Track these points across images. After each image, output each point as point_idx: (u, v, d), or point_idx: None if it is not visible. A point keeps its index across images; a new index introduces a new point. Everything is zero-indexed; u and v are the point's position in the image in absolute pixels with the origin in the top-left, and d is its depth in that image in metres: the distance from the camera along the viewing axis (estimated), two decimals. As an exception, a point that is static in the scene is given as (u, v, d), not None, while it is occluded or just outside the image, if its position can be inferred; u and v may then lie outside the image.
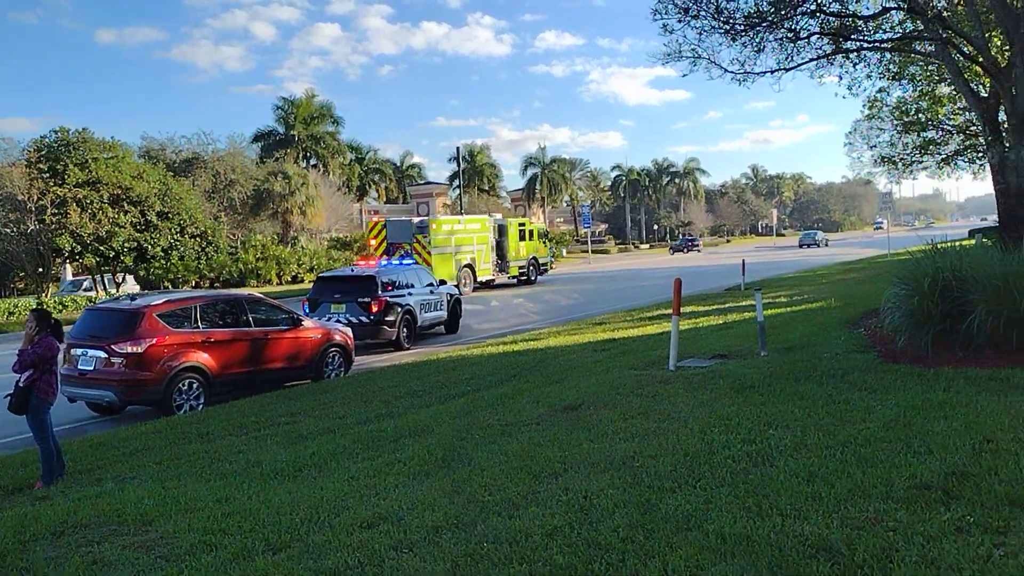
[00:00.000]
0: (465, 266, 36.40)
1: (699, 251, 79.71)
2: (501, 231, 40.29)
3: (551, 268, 46.32)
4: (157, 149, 52.56)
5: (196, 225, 40.81)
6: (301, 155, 65.67)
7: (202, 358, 12.27)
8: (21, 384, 8.17)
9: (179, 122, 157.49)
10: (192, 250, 40.41)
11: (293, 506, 5.82)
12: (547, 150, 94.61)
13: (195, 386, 12.15)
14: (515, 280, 40.87)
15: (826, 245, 75.68)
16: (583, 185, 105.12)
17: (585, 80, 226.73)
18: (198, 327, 12.49)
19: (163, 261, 39.30)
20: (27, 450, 9.27)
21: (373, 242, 35.83)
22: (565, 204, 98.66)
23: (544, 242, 44.77)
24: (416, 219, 36.32)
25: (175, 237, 39.36)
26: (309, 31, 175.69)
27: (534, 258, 42.74)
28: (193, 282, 41.04)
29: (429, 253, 34.06)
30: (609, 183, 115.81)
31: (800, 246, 76.83)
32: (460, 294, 22.83)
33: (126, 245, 37.21)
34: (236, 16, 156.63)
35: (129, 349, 11.54)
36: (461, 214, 53.89)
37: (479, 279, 37.35)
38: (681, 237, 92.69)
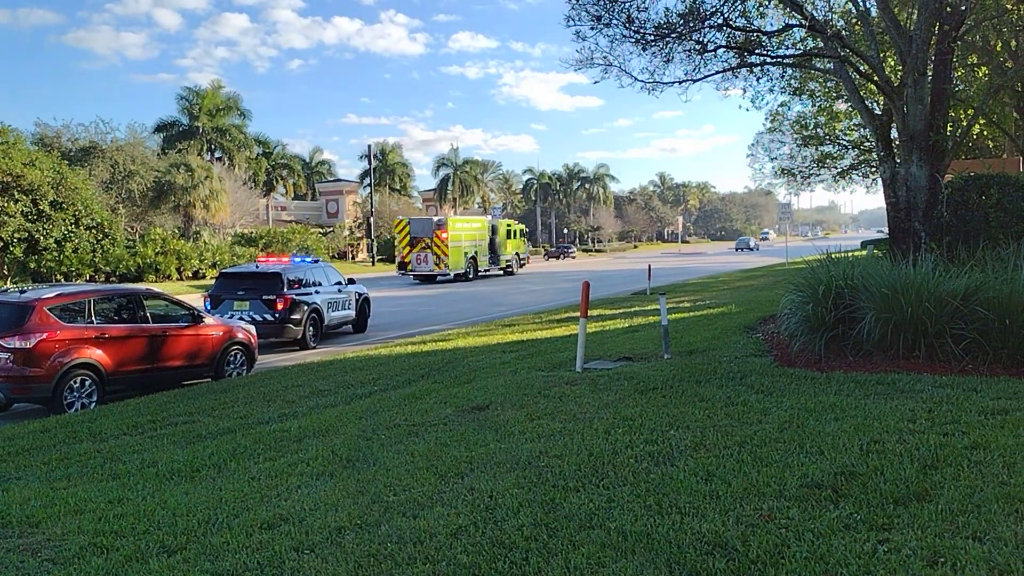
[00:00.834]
0: (471, 257, 45.40)
1: (573, 258, 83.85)
2: (494, 230, 48.75)
3: (527, 263, 56.40)
4: (52, 136, 50.18)
5: (92, 216, 39.22)
6: (205, 147, 63.81)
7: (96, 355, 11.79)
8: None
9: (76, 109, 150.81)
10: (87, 242, 38.80)
11: (190, 507, 5.66)
12: (460, 151, 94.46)
13: (88, 383, 11.66)
14: (501, 272, 49.75)
15: (757, 250, 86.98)
16: (495, 187, 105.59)
17: (498, 83, 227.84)
18: (92, 322, 12.00)
19: (56, 253, 37.55)
20: (-100, 450, 8.71)
21: (399, 236, 44.69)
22: (477, 206, 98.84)
23: (524, 240, 54.41)
24: (435, 218, 45.29)
25: (69, 228, 37.73)
26: (216, 21, 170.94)
27: (517, 254, 52.47)
28: (88, 276, 39.30)
29: (447, 245, 42.41)
30: (521, 186, 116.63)
31: (736, 250, 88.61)
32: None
33: (16, 235, 35.44)
34: (139, 3, 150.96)
35: (17, 344, 11.00)
36: (372, 213, 57.76)
37: (480, 269, 46.54)
38: (558, 244, 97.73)
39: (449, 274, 43.45)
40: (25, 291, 12.31)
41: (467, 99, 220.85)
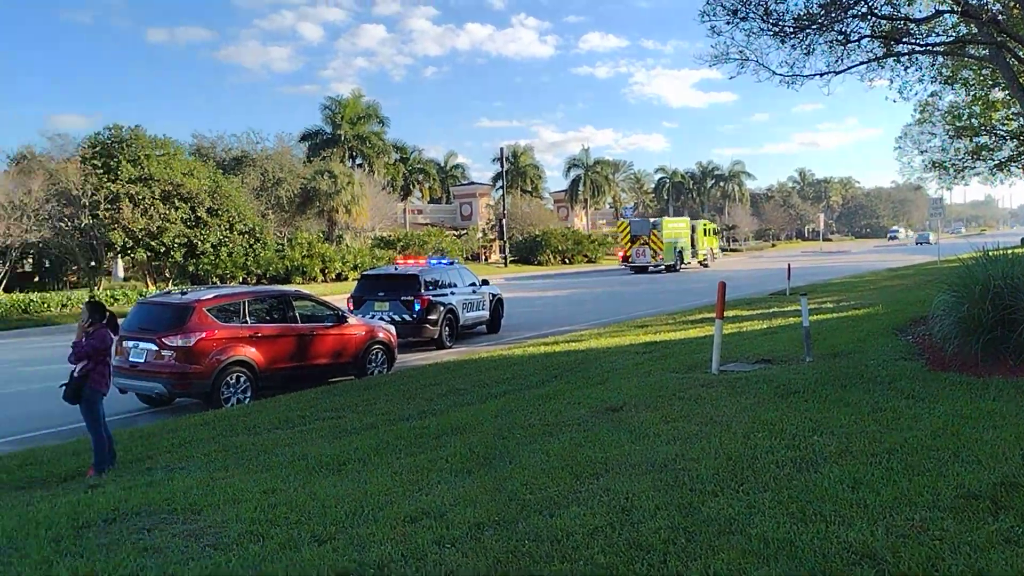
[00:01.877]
0: (678, 252, 52.47)
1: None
2: (693, 229, 56.03)
3: (720, 257, 64.17)
4: (207, 147, 53.50)
5: (244, 222, 41.49)
6: (347, 154, 66.35)
7: (250, 352, 12.49)
8: (76, 375, 8.40)
9: (229, 121, 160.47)
10: (240, 246, 41.09)
11: (338, 499, 5.92)
12: (590, 151, 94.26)
13: (242, 380, 12.37)
14: (699, 264, 56.48)
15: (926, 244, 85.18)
16: (626, 187, 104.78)
17: (629, 82, 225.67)
18: (246, 322, 12.73)
19: (212, 257, 40.01)
20: (79, 439, 9.50)
21: (621, 234, 53.77)
22: (608, 206, 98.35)
23: (716, 238, 63.35)
24: (652, 219, 54.43)
25: (224, 233, 40.06)
26: (355, 32, 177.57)
27: (711, 249, 60.14)
28: (240, 278, 41.67)
29: (661, 242, 50.20)
30: (652, 185, 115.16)
31: (917, 244, 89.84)
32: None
33: (177, 241, 37.95)
34: (284, 17, 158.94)
35: (179, 342, 11.80)
36: (504, 215, 60.64)
37: (685, 261, 53.48)
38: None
39: (661, 266, 50.86)
40: (186, 293, 13.19)
41: (597, 99, 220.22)
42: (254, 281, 42.30)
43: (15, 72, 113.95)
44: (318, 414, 10.58)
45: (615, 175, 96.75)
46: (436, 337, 18.66)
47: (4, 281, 38.23)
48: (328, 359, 13.93)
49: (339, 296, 24.70)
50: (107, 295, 31.78)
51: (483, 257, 75.87)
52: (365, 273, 20.51)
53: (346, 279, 47.29)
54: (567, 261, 69.66)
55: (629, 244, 52.08)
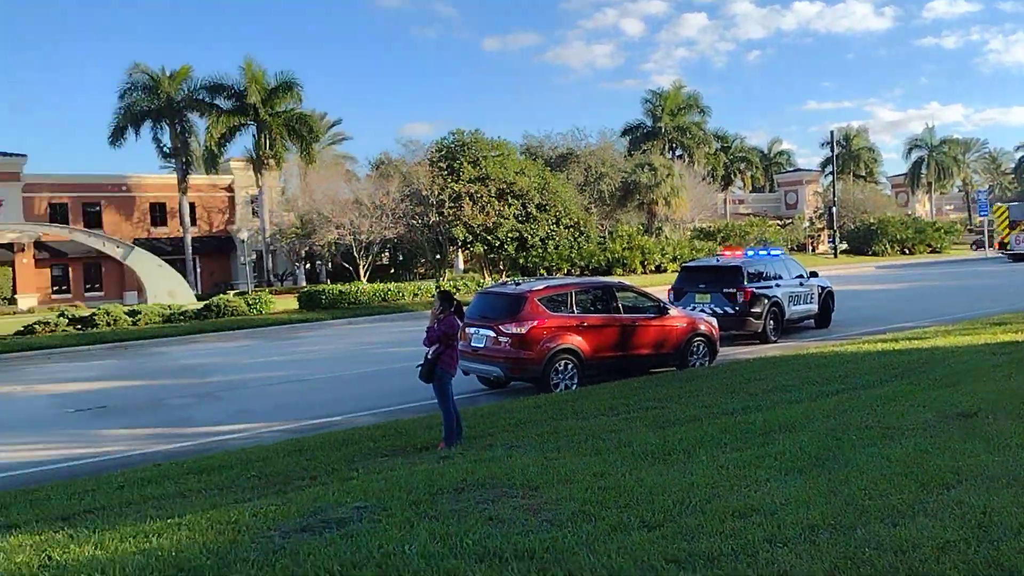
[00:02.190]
0: None
1: None
2: None
3: None
4: (536, 146, 56.45)
5: (570, 216, 43.28)
6: (667, 146, 66.43)
7: (576, 341, 13.05)
8: (429, 356, 9.37)
9: (555, 119, 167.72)
10: (565, 240, 42.96)
11: (664, 487, 6.02)
12: (935, 130, 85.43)
13: (570, 367, 12.96)
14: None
15: None
16: (979, 168, 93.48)
17: (983, 51, 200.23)
18: (573, 312, 13.31)
19: (540, 250, 42.27)
20: (431, 415, 10.58)
21: (997, 219, 51.46)
22: (956, 190, 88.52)
23: None
24: None
25: (551, 228, 42.10)
26: (676, 23, 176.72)
27: None
28: (565, 269, 43.56)
29: None
30: (1012, 165, 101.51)
31: None
32: None
33: (509, 235, 40.60)
34: (606, 15, 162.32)
35: (514, 330, 12.65)
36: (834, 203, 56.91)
37: None
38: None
39: None
40: (519, 284, 14.10)
41: (943, 72, 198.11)
42: (578, 273, 43.94)
43: (372, 86, 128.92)
44: (641, 403, 10.79)
45: (965, 155, 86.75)
46: (760, 331, 18.11)
47: (367, 272, 43.49)
48: (650, 349, 14.12)
49: (658, 288, 24.88)
50: (450, 285, 34.90)
51: (810, 247, 72.04)
52: (686, 265, 20.46)
53: (665, 271, 47.47)
54: (907, 251, 63.85)
55: (1008, 230, 49.53)
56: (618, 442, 8.17)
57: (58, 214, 49.79)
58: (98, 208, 51.41)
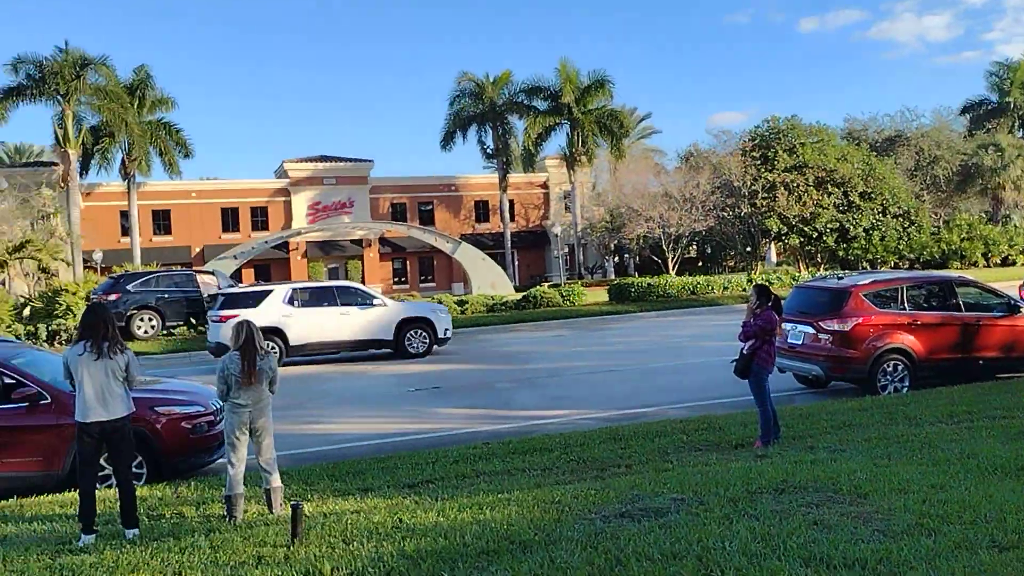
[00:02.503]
0: None
1: None
2: None
3: None
4: (859, 130, 52.63)
5: (898, 204, 39.96)
6: (1016, 124, 58.58)
7: (907, 340, 12.02)
8: (745, 352, 9.15)
9: (880, 101, 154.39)
10: (893, 230, 39.72)
11: (1018, 507, 5.38)
12: None
13: (899, 368, 11.97)
14: None
15: None
16: None
17: None
18: (904, 309, 12.29)
19: (863, 241, 39.44)
20: (746, 411, 10.34)
21: None
22: None
23: None
24: None
25: (876, 217, 39.17)
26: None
27: None
28: (892, 263, 40.23)
29: None
30: None
31: None
32: None
33: (828, 226, 38.36)
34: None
35: (836, 327, 11.95)
36: None
37: None
38: None
39: None
40: (842, 278, 13.28)
41: None
42: (906, 266, 40.42)
43: (680, 77, 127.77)
44: (986, 411, 9.70)
45: None
46: None
47: (675, 266, 43.40)
48: (997, 352, 12.61)
49: (1007, 283, 22.11)
50: (763, 279, 33.77)
51: None
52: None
53: (1013, 264, 42.08)
54: None
55: None
56: (960, 453, 7.43)
57: (398, 213, 55.50)
58: (430, 207, 56.50)
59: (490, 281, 37.94)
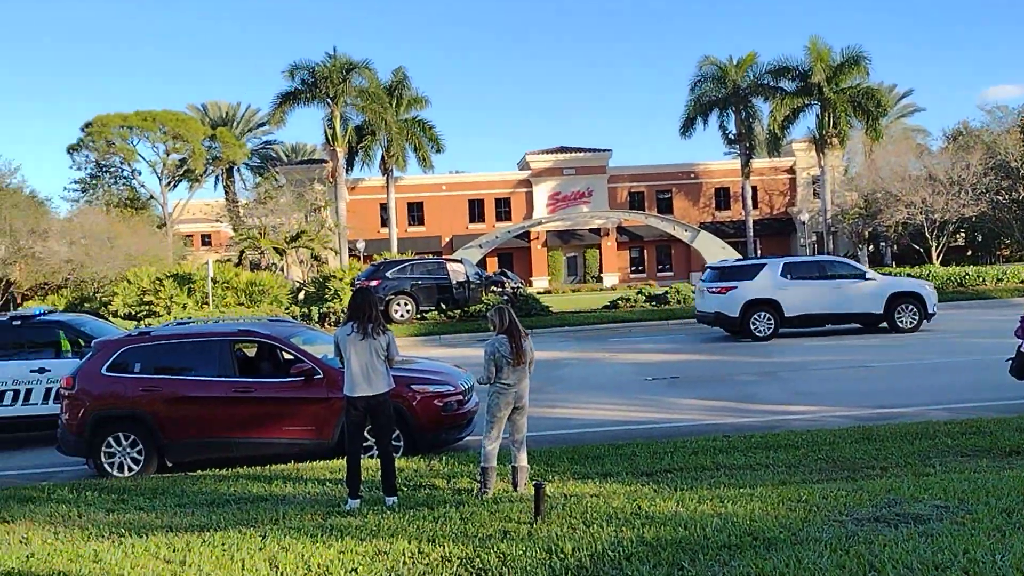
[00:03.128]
0: None
1: None
2: None
3: None
4: None
5: None
6: None
7: None
8: (1023, 350, 8.27)
9: None
10: None
11: None
12: None
13: None
14: None
15: None
16: None
17: None
18: None
19: None
20: (1022, 415, 9.32)
21: None
22: None
23: None
24: None
25: None
26: None
27: None
28: None
29: None
30: None
31: None
32: None
33: None
34: None
35: None
36: None
37: None
38: None
39: None
40: None
41: None
42: None
43: (947, 49, 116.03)
44: None
45: None
46: None
47: (940, 254, 39.80)
48: None
49: None
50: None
51: None
52: None
53: None
54: None
55: None
56: None
57: (635, 202, 55.49)
58: (669, 195, 55.92)
59: (731, 270, 36.91)
